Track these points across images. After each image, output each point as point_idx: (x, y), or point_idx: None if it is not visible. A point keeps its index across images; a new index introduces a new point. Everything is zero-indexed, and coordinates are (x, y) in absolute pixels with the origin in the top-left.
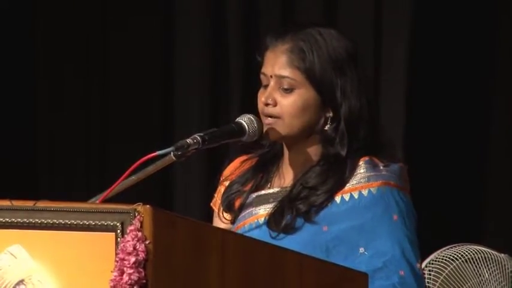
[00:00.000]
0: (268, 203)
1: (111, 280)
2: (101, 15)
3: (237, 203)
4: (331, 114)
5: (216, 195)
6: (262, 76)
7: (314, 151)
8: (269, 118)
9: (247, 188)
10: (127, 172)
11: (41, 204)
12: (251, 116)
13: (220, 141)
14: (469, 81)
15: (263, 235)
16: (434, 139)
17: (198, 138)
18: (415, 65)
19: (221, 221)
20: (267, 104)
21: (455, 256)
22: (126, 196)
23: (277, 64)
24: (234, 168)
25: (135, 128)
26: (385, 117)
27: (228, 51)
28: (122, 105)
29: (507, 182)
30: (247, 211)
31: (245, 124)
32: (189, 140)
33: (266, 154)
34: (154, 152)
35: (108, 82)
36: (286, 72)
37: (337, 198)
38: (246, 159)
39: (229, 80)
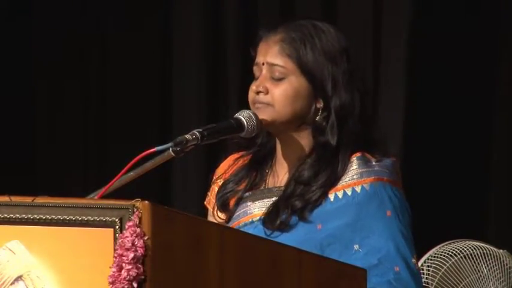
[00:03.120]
0: (263, 201)
1: (110, 276)
2: (99, 15)
3: (232, 202)
4: (321, 105)
5: (209, 194)
6: (255, 68)
7: (306, 145)
8: (258, 104)
9: (242, 186)
10: (126, 168)
11: (40, 200)
12: (250, 112)
13: (219, 136)
14: (469, 80)
15: (258, 233)
16: (434, 137)
17: (197, 134)
18: (414, 64)
19: (215, 220)
20: (258, 92)
21: (454, 252)
22: (125, 192)
23: (269, 53)
24: (227, 167)
25: (133, 124)
26: (384, 114)
27: (226, 51)
28: (120, 102)
29: (506, 178)
30: (242, 210)
31: (244, 120)
32: (188, 136)
33: (259, 152)
34: (153, 147)
35: (106, 80)
36: (277, 60)
37: (331, 196)
38: (239, 157)
39: (227, 77)
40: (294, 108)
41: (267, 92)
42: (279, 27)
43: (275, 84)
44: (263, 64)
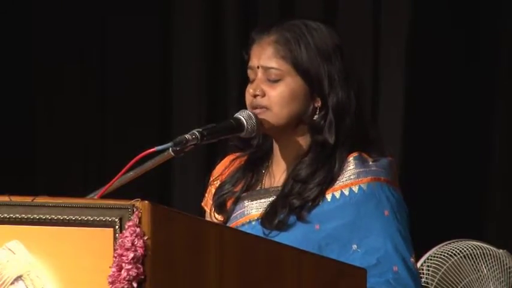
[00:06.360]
0: (260, 202)
1: (110, 276)
2: (100, 14)
3: (229, 203)
4: (319, 104)
5: (206, 195)
6: (249, 71)
7: (303, 144)
8: (257, 109)
9: (238, 188)
10: (126, 168)
11: (39, 199)
12: (250, 112)
13: (219, 136)
14: (470, 79)
15: (256, 234)
16: (434, 136)
17: (197, 133)
18: (414, 64)
19: (213, 221)
20: (255, 96)
21: (454, 252)
22: (125, 192)
23: (264, 56)
24: (223, 168)
25: (133, 124)
26: (384, 114)
27: (225, 51)
28: (121, 103)
29: (506, 178)
30: (240, 211)
31: (244, 120)
32: (187, 136)
33: (256, 153)
34: (153, 147)
35: (106, 79)
36: (272, 63)
37: (328, 196)
38: (235, 158)
39: (227, 77)
40: (292, 109)
41: (263, 95)
42: (271, 28)
43: (271, 87)
44: (258, 68)
